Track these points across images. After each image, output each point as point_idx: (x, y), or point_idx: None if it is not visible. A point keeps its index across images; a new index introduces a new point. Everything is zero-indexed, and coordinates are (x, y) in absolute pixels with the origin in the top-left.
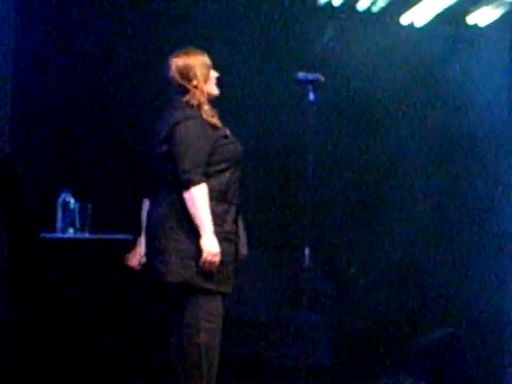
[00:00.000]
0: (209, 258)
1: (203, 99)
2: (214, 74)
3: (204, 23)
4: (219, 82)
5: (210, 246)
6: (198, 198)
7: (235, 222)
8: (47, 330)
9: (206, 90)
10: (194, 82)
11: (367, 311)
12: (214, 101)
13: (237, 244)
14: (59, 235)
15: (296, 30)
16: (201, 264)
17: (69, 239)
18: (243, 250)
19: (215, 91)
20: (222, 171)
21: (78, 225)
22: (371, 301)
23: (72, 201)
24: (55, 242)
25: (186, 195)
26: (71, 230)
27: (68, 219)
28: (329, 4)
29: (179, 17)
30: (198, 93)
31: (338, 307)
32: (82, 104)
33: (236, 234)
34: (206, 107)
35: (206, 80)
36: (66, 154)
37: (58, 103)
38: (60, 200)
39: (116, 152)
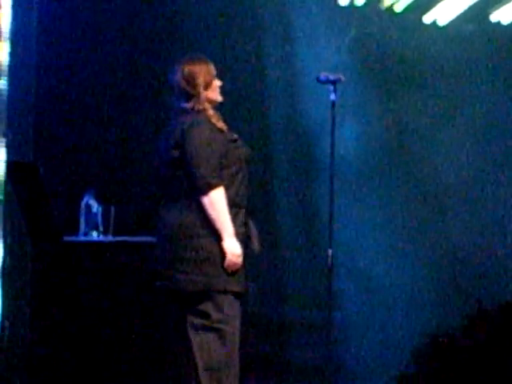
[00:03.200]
0: (233, 259)
1: (207, 105)
2: (217, 83)
3: (225, 24)
4: (223, 90)
5: (233, 247)
6: (218, 202)
7: (245, 224)
8: (71, 332)
9: (208, 97)
10: (198, 89)
11: (390, 311)
12: (218, 106)
13: (249, 244)
14: (82, 238)
15: (319, 30)
16: (225, 266)
17: (92, 242)
18: (257, 247)
19: (219, 98)
20: (231, 174)
21: (101, 228)
22: (392, 300)
23: (95, 204)
24: (78, 246)
25: (205, 200)
26: (94, 234)
27: (91, 222)
28: (351, 4)
29: (201, 21)
30: (201, 99)
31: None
32: (103, 109)
33: (247, 235)
34: (211, 112)
35: (207, 87)
36: (88, 158)
37: (80, 109)
38: (83, 203)
39: (138, 155)
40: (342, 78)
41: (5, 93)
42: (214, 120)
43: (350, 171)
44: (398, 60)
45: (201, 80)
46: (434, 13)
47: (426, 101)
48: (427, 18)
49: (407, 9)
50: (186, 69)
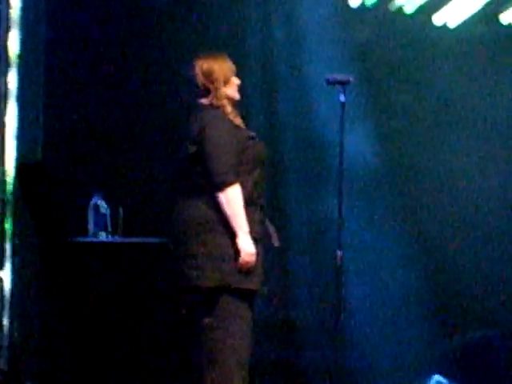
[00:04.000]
0: (246, 258)
1: (225, 101)
2: (236, 81)
3: (234, 25)
4: (240, 89)
5: (247, 246)
6: (234, 199)
7: (261, 222)
8: (80, 332)
9: (226, 93)
10: (216, 85)
11: (402, 312)
12: (236, 104)
13: (268, 241)
14: (91, 239)
15: (328, 31)
16: (239, 264)
17: (101, 243)
18: (276, 242)
19: (236, 96)
20: (247, 172)
21: (109, 229)
22: (406, 301)
23: (103, 205)
24: (87, 246)
25: (222, 196)
26: (103, 234)
27: (100, 223)
28: (362, 5)
29: (210, 19)
30: (219, 95)
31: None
32: (112, 108)
33: (263, 234)
34: (229, 108)
35: (225, 83)
36: (97, 158)
37: (89, 109)
38: (91, 204)
39: (147, 155)
40: (352, 80)
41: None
42: (231, 117)
43: (360, 173)
44: (408, 61)
45: (220, 76)
46: (444, 14)
47: (436, 103)
48: (437, 20)
49: (417, 10)
50: (205, 64)
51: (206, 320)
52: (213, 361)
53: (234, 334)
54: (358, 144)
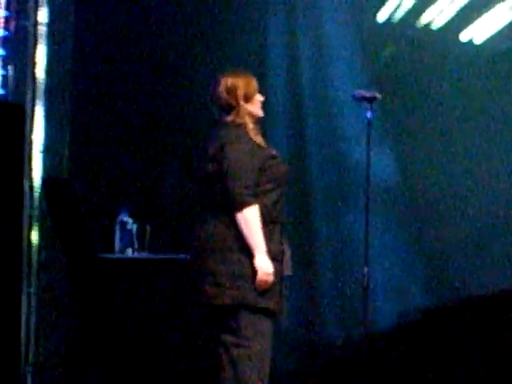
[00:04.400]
0: (264, 277)
1: (248, 119)
2: (259, 98)
3: (258, 42)
4: (264, 106)
5: (265, 265)
6: (252, 219)
7: (280, 242)
8: (106, 348)
9: (249, 110)
10: (239, 101)
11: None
12: (259, 122)
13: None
14: (117, 256)
15: (355, 47)
16: (256, 284)
17: (127, 259)
18: (287, 270)
19: (260, 113)
20: (268, 191)
21: (136, 245)
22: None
23: (130, 221)
24: (113, 263)
25: (239, 216)
26: (129, 251)
27: (126, 240)
28: (388, 20)
29: (238, 37)
30: (242, 112)
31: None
32: (139, 125)
33: (282, 253)
34: (251, 126)
35: (248, 100)
36: (123, 175)
37: (116, 125)
38: (118, 221)
39: (173, 173)
40: (378, 96)
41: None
42: (252, 134)
43: (386, 189)
44: (435, 77)
45: (242, 92)
46: (470, 31)
47: (462, 118)
48: (464, 36)
49: (444, 26)
50: (229, 81)
51: (226, 337)
52: (233, 378)
53: (254, 351)
54: (384, 161)
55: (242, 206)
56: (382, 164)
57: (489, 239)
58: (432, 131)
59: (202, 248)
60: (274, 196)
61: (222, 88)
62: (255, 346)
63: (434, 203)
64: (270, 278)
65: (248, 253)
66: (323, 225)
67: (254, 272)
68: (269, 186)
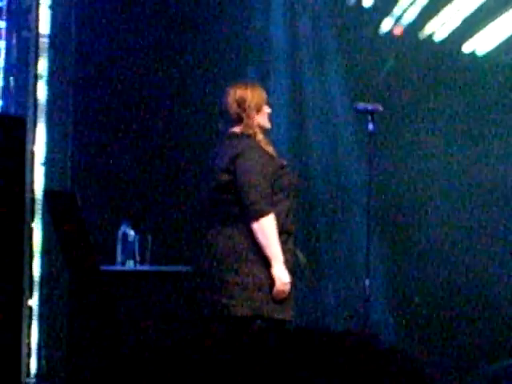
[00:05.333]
0: (281, 287)
1: (256, 129)
2: (267, 110)
3: (262, 50)
4: (271, 118)
5: (282, 275)
6: (268, 229)
7: (293, 251)
8: (108, 361)
9: (258, 121)
10: (249, 112)
11: (432, 339)
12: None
13: (297, 271)
14: (119, 268)
15: (357, 60)
16: (273, 294)
17: (129, 271)
18: (303, 263)
19: (267, 125)
20: (280, 201)
21: (137, 257)
22: (436, 328)
23: (132, 233)
24: (115, 275)
25: (256, 226)
26: (131, 263)
27: (128, 252)
28: (390, 33)
29: (240, 46)
30: (251, 123)
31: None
32: (140, 137)
33: (294, 262)
34: (261, 136)
35: (258, 111)
36: (125, 187)
37: (118, 138)
38: (120, 233)
39: (175, 184)
40: (380, 108)
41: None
42: (263, 144)
43: (387, 199)
44: (437, 89)
45: (252, 104)
46: (473, 42)
47: (465, 131)
48: (466, 48)
49: (446, 39)
50: (238, 92)
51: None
52: None
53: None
54: (385, 172)
55: (259, 215)
56: (385, 174)
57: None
58: (433, 143)
59: (215, 259)
60: (285, 206)
61: (231, 99)
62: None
63: (437, 213)
64: (287, 288)
65: (263, 263)
66: (325, 236)
67: (271, 283)
68: (280, 196)
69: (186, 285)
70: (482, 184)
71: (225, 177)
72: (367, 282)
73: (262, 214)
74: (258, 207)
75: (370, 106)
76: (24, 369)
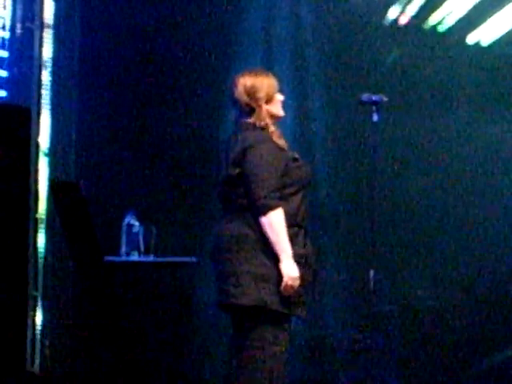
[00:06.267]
0: (289, 282)
1: (269, 120)
2: (279, 97)
3: (269, 41)
4: (284, 105)
5: (291, 270)
6: (277, 223)
7: (305, 244)
8: (113, 351)
9: (269, 111)
10: (260, 103)
11: (434, 332)
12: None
13: (307, 267)
14: (124, 258)
15: (361, 50)
16: (282, 289)
17: (133, 262)
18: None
19: (280, 113)
20: (291, 194)
21: (142, 248)
22: (439, 321)
23: (136, 224)
24: (120, 266)
25: (264, 220)
26: (135, 254)
27: (132, 243)
28: (394, 24)
29: (245, 38)
30: (263, 113)
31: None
32: (145, 128)
33: (306, 256)
34: (273, 128)
35: (269, 101)
36: (130, 177)
37: (123, 128)
38: (124, 223)
39: (180, 175)
40: (385, 99)
41: None
42: (275, 137)
43: (392, 190)
44: (442, 80)
45: (263, 93)
46: (477, 33)
47: (469, 122)
48: (471, 39)
49: (451, 29)
50: (248, 82)
51: (243, 339)
52: (249, 379)
53: (270, 355)
54: (390, 162)
55: (267, 209)
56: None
57: None
58: (439, 133)
59: (224, 249)
60: (297, 199)
61: (241, 89)
62: (272, 349)
63: (441, 205)
64: (296, 283)
65: (272, 256)
66: (330, 228)
67: (279, 276)
68: (292, 190)
69: (189, 275)
70: (489, 174)
71: (235, 170)
72: (372, 273)
73: (271, 208)
74: (266, 202)
75: (374, 97)
76: (28, 358)
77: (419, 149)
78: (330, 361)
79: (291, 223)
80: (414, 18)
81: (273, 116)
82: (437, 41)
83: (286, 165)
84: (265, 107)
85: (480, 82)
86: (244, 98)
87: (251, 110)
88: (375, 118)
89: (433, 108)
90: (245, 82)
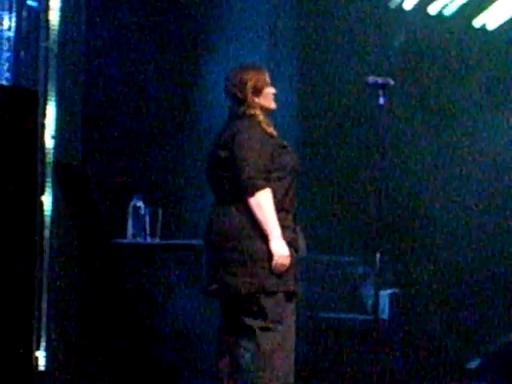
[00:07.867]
0: (280, 260)
1: (257, 110)
2: (270, 90)
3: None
4: (276, 98)
5: (280, 249)
6: (265, 203)
7: (293, 230)
8: (117, 333)
9: (259, 103)
10: (248, 95)
11: (438, 315)
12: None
13: (296, 251)
14: (130, 241)
15: (367, 34)
16: (272, 267)
17: (139, 245)
18: (303, 252)
19: (271, 105)
20: (279, 178)
21: (148, 230)
22: (442, 304)
23: (143, 206)
24: (126, 248)
25: (252, 201)
26: (142, 236)
27: (139, 225)
28: (400, 7)
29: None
30: (252, 104)
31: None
32: (152, 110)
33: (295, 240)
34: (261, 117)
35: (258, 93)
36: (136, 160)
37: (128, 110)
38: (131, 206)
39: (186, 157)
40: (391, 82)
41: None
42: (264, 125)
43: (398, 173)
44: (447, 64)
45: (250, 86)
46: (483, 17)
47: (475, 105)
48: (476, 22)
49: (456, 13)
50: (238, 75)
51: (250, 322)
52: (260, 361)
53: (279, 334)
54: (396, 145)
55: (254, 189)
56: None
57: None
58: (443, 118)
59: (217, 238)
60: (284, 184)
61: (232, 82)
62: (277, 328)
63: (449, 188)
64: (287, 261)
65: (263, 239)
66: (335, 213)
67: (270, 257)
68: (280, 174)
69: (195, 258)
70: (497, 156)
71: (223, 153)
72: (378, 256)
73: (258, 189)
74: (252, 182)
75: (380, 80)
76: (34, 342)
77: (425, 132)
78: (333, 343)
79: (279, 208)
80: (421, 1)
81: (263, 108)
82: (442, 24)
83: (274, 150)
84: (254, 99)
85: (486, 65)
86: (235, 90)
87: (241, 101)
88: (381, 100)
89: (438, 91)
90: (235, 74)
